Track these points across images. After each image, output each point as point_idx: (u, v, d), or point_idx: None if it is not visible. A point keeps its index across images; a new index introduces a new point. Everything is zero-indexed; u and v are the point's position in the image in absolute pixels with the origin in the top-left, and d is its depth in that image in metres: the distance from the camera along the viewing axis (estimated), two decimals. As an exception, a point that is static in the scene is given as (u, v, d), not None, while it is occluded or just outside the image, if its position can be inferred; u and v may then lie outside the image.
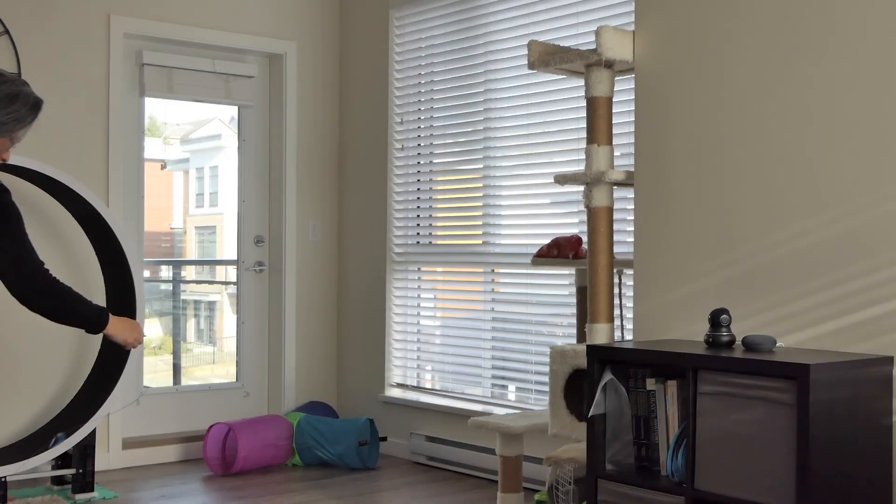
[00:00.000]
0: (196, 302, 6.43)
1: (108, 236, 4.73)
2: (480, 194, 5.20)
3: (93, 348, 5.02)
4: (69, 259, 5.04)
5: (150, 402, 5.54)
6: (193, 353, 6.38)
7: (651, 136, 3.88)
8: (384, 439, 5.50)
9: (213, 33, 5.58)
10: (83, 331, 3.13)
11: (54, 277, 2.90)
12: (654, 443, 3.33)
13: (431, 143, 5.52)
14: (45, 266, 2.89)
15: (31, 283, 2.83)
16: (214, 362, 6.28)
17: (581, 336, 4.05)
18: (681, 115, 3.78)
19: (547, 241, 4.45)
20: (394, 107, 5.66)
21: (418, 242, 5.58)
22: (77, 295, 2.93)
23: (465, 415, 5.02)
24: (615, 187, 3.94)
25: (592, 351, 3.45)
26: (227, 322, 6.23)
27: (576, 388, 3.75)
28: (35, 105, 2.86)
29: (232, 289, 6.10)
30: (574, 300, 4.32)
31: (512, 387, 5.10)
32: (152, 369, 5.87)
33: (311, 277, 5.93)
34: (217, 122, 6.32)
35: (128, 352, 4.72)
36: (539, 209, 4.92)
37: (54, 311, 2.91)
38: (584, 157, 4.15)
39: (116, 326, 3.01)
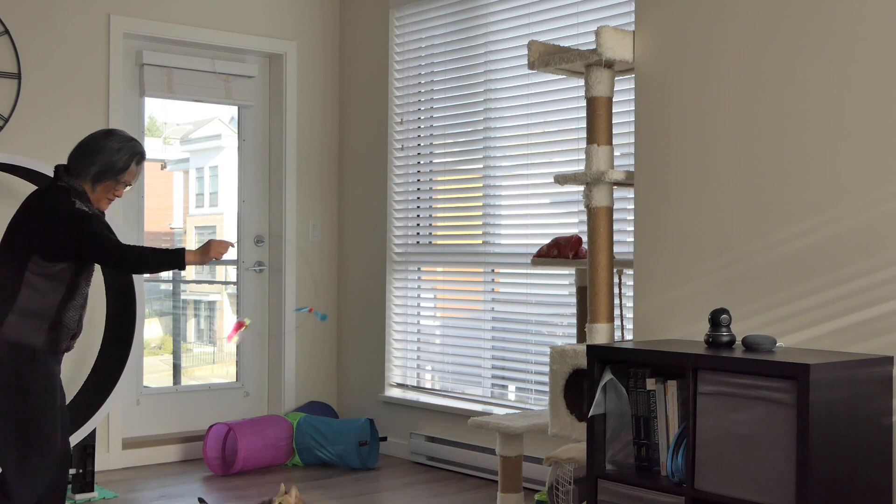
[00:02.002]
0: (196, 302, 6.43)
1: (108, 236, 4.72)
2: (480, 194, 5.20)
3: (93, 348, 5.01)
4: (69, 259, 5.05)
5: (150, 402, 5.54)
6: (193, 353, 6.38)
7: (651, 136, 3.88)
8: (384, 439, 5.50)
9: (213, 33, 5.58)
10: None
11: (131, 249, 3.40)
12: (654, 443, 3.33)
13: (431, 143, 5.52)
14: (121, 243, 3.39)
15: (122, 265, 3.44)
16: (214, 362, 6.28)
17: (581, 336, 4.05)
18: (680, 115, 3.78)
19: (547, 241, 4.45)
20: (394, 107, 5.66)
21: (418, 242, 5.58)
22: (155, 250, 3.48)
23: (465, 415, 5.02)
24: (615, 187, 3.94)
25: (592, 351, 3.45)
26: (227, 322, 6.23)
27: (576, 388, 3.75)
28: (132, 156, 3.48)
29: (232, 289, 6.10)
30: (574, 300, 4.32)
31: (512, 387, 5.10)
32: (152, 369, 5.87)
33: (311, 277, 5.93)
34: (217, 122, 6.32)
35: (128, 352, 4.72)
36: (539, 209, 4.92)
37: (147, 271, 3.54)
38: (584, 157, 4.15)
39: (192, 258, 3.50)
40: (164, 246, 6.00)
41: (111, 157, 3.45)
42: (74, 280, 3.41)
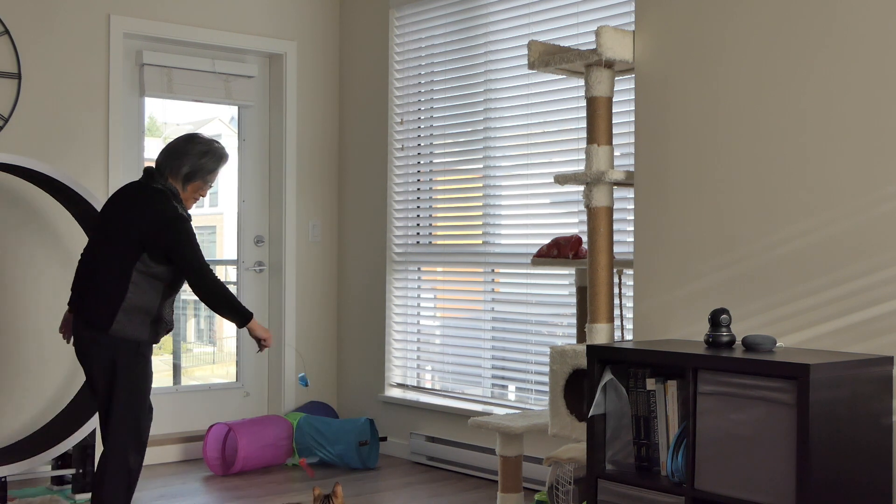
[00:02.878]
0: (196, 302, 6.43)
1: (108, 236, 4.73)
2: (480, 194, 5.20)
3: (93, 348, 5.02)
4: (69, 259, 5.04)
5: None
6: (193, 353, 6.38)
7: (651, 136, 3.88)
8: (384, 439, 5.50)
9: (213, 33, 5.58)
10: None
11: (219, 281, 3.68)
12: (654, 443, 3.33)
13: (431, 143, 5.52)
14: (209, 269, 3.66)
15: (203, 285, 3.65)
16: (214, 362, 6.28)
17: (581, 336, 4.05)
18: (681, 115, 3.78)
19: (547, 241, 4.45)
20: (394, 107, 5.66)
21: (418, 242, 5.58)
22: (231, 295, 3.72)
23: (465, 415, 5.02)
24: (615, 187, 3.94)
25: (592, 351, 3.45)
26: (227, 322, 6.22)
27: (576, 388, 3.75)
28: (219, 158, 3.76)
29: (232, 289, 6.09)
30: (574, 300, 4.32)
31: (512, 387, 5.10)
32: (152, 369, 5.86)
33: (311, 277, 5.93)
34: (217, 122, 6.32)
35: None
36: (539, 209, 4.91)
37: (212, 304, 3.72)
38: (584, 157, 4.15)
39: (257, 327, 3.78)
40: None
41: (199, 159, 3.70)
42: (173, 278, 3.67)
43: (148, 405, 3.76)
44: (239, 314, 3.74)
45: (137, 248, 3.56)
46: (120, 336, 3.57)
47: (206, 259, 3.67)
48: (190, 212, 3.79)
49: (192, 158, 3.70)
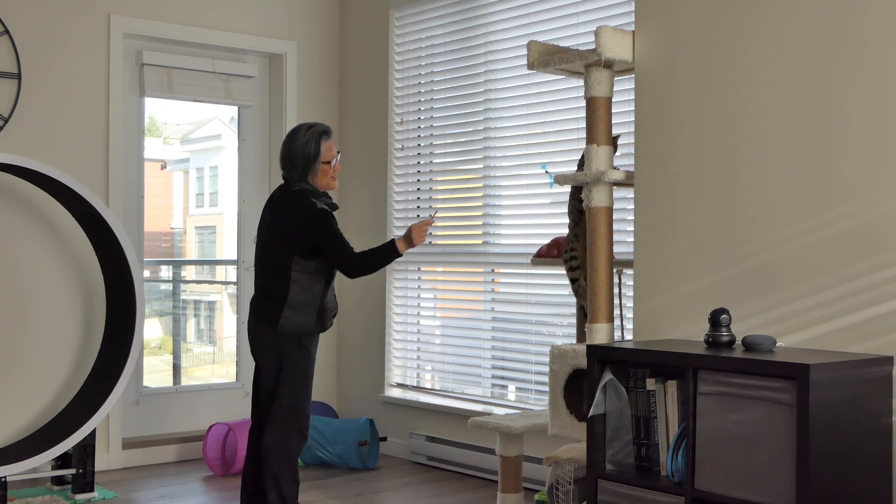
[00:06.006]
0: (196, 302, 6.43)
1: (108, 236, 4.73)
2: (480, 194, 5.20)
3: (93, 348, 5.02)
4: (69, 259, 5.04)
5: (150, 402, 5.54)
6: (193, 353, 6.38)
7: (651, 136, 3.88)
8: (384, 439, 5.50)
9: (213, 33, 5.58)
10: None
11: (362, 256, 3.94)
12: (654, 443, 3.33)
13: (431, 143, 5.52)
14: (351, 252, 3.90)
15: (355, 274, 3.96)
16: (214, 362, 6.29)
17: (581, 336, 4.05)
18: (681, 115, 3.78)
19: (547, 241, 4.44)
20: (394, 107, 5.66)
21: (418, 242, 5.58)
22: (375, 253, 3.95)
23: (465, 415, 5.02)
24: (615, 187, 3.94)
25: (592, 351, 3.45)
26: (227, 322, 6.23)
27: (576, 388, 3.75)
28: (318, 137, 3.93)
29: (232, 289, 6.10)
30: (574, 300, 4.32)
31: (512, 387, 5.10)
32: (152, 369, 5.87)
33: (311, 277, 5.92)
34: (217, 122, 6.32)
35: (128, 352, 4.72)
36: (539, 209, 4.92)
37: (371, 271, 3.99)
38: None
39: (403, 246, 3.94)
40: (164, 247, 5.99)
41: (303, 150, 3.92)
42: (330, 270, 3.96)
43: (310, 394, 3.98)
44: (392, 258, 3.95)
45: (289, 251, 3.87)
46: (287, 331, 3.89)
47: (342, 244, 3.87)
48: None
49: (298, 153, 3.92)
